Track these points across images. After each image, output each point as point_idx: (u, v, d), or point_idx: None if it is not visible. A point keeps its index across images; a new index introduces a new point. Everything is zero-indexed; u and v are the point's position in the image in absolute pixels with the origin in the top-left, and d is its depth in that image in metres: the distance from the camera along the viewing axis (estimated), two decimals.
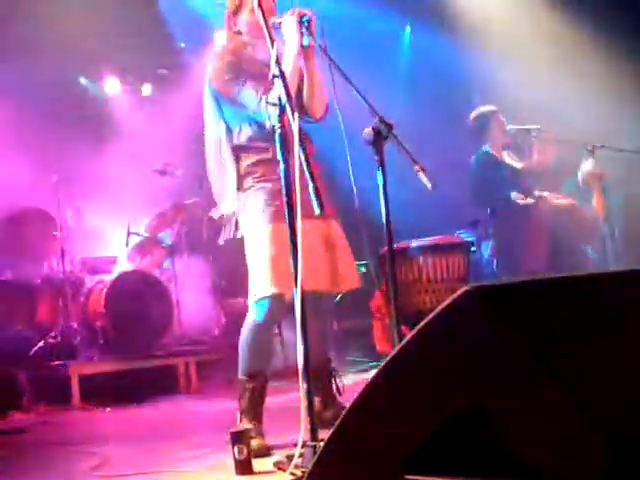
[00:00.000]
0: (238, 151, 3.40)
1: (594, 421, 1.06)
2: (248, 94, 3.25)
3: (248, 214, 3.35)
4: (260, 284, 3.26)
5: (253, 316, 3.32)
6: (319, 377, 3.43)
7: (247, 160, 3.37)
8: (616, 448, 1.04)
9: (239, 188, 3.37)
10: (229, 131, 3.41)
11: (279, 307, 3.30)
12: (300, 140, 2.52)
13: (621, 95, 6.49)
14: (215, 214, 3.58)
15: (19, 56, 7.30)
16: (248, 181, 3.36)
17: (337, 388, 3.59)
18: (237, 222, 3.42)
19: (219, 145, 3.43)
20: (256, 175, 3.34)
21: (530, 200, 5.20)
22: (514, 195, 5.21)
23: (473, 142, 5.58)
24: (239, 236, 3.43)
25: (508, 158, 5.49)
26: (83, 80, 8.85)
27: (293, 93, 2.91)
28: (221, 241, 3.53)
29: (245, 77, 3.28)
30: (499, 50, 7.36)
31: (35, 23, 6.88)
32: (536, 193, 5.52)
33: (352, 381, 4.64)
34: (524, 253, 5.28)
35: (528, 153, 5.51)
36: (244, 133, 3.37)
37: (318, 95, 3.38)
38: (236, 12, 3.43)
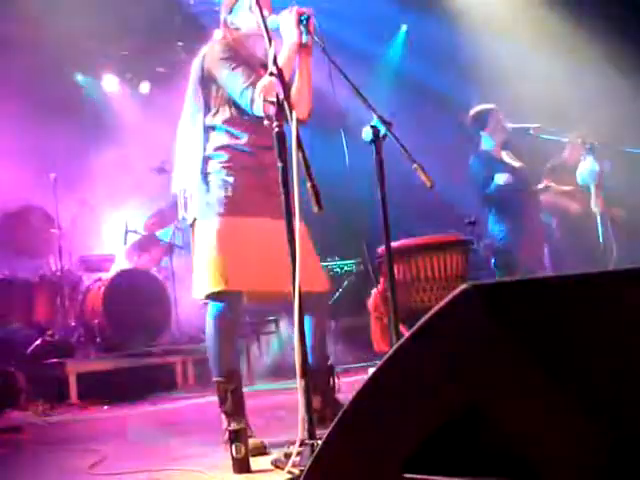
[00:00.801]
0: (210, 131, 3.34)
1: (594, 420, 1.05)
2: (236, 78, 3.22)
3: (203, 200, 3.28)
4: (206, 280, 3.22)
5: (209, 316, 3.31)
6: (317, 375, 3.42)
7: (216, 142, 3.32)
8: (616, 448, 1.04)
9: (202, 169, 3.31)
10: (207, 109, 3.35)
11: (233, 305, 3.27)
12: (297, 139, 2.51)
13: (621, 93, 6.50)
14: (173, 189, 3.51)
15: (18, 55, 7.29)
16: (212, 164, 3.31)
17: (335, 386, 3.59)
18: (186, 202, 3.37)
19: (193, 121, 3.37)
20: (222, 159, 3.29)
21: (509, 178, 5.19)
22: (497, 177, 5.20)
23: (471, 140, 5.58)
24: (189, 220, 3.37)
25: (507, 157, 5.49)
26: (81, 78, 8.83)
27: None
28: (180, 217, 3.48)
29: (238, 62, 3.27)
30: (498, 49, 7.36)
31: (34, 21, 6.87)
32: (540, 186, 5.54)
33: (350, 380, 4.64)
34: (523, 251, 5.29)
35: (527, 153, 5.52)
36: (221, 115, 3.32)
37: (306, 96, 3.35)
38: (233, 8, 3.43)
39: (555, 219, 6.08)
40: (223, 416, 3.29)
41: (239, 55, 3.33)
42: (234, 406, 3.26)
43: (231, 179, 3.27)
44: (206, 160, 3.32)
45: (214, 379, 3.33)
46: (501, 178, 5.20)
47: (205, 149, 3.33)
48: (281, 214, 2.59)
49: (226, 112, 3.32)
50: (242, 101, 3.20)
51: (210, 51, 3.38)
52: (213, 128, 3.34)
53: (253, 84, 3.16)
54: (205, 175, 3.30)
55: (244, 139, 3.30)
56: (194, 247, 3.33)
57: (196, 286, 3.30)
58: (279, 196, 2.56)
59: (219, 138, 3.33)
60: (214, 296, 3.24)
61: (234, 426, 3.07)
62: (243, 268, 3.19)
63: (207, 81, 3.35)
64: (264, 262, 3.20)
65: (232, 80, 3.25)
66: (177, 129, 3.49)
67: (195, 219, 3.32)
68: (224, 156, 3.30)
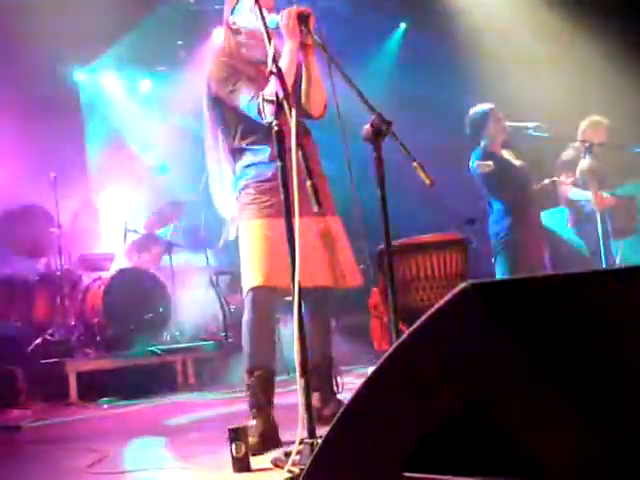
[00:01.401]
0: (235, 152, 3.43)
1: (594, 420, 1.05)
2: (241, 94, 3.26)
3: (240, 213, 3.40)
4: (248, 278, 3.29)
5: (246, 311, 3.34)
6: (319, 374, 3.42)
7: (242, 162, 3.41)
8: (616, 447, 1.04)
9: (235, 189, 3.42)
10: (226, 133, 3.44)
11: (269, 300, 3.32)
12: (298, 137, 2.51)
13: (621, 93, 6.50)
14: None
15: (18, 53, 7.29)
16: (242, 182, 3.40)
17: (336, 385, 3.59)
18: (236, 225, 3.47)
19: (216, 146, 3.47)
20: (248, 177, 3.38)
21: (489, 164, 5.18)
22: (477, 163, 5.19)
23: (471, 140, 5.57)
24: (232, 234, 3.49)
25: (507, 155, 5.49)
26: (81, 77, 8.83)
27: (290, 90, 2.90)
28: (220, 244, 3.58)
29: (239, 77, 3.29)
30: (498, 48, 7.36)
31: (34, 19, 6.87)
32: (546, 181, 5.54)
33: (350, 379, 4.65)
34: (524, 250, 5.29)
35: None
36: (240, 134, 3.40)
37: (316, 92, 3.38)
38: (234, 11, 3.43)
39: (571, 213, 6.09)
40: (248, 407, 3.30)
41: (238, 68, 3.34)
42: (254, 401, 3.26)
43: (258, 189, 3.33)
44: (236, 181, 3.42)
45: (245, 369, 3.34)
46: (481, 165, 5.18)
47: (234, 171, 3.44)
48: (313, 212, 2.57)
49: (242, 131, 3.38)
50: (250, 113, 3.22)
51: (211, 74, 3.41)
52: (236, 150, 3.43)
53: (257, 95, 3.16)
54: (239, 194, 3.40)
55: (264, 152, 3.34)
56: (240, 248, 3.40)
57: (243, 282, 3.36)
58: (307, 195, 2.53)
59: (243, 157, 3.40)
60: (253, 291, 3.27)
61: (252, 419, 3.10)
62: (282, 265, 3.19)
63: (216, 105, 3.41)
64: (301, 258, 3.21)
65: (236, 97, 3.29)
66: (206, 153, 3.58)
67: (239, 224, 3.41)
68: (250, 173, 3.37)
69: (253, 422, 3.18)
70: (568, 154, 6.15)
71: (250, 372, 3.30)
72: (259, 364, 3.30)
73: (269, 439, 3.16)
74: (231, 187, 3.44)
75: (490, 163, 5.15)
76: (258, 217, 3.30)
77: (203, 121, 3.51)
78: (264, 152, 3.34)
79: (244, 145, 3.39)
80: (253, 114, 3.20)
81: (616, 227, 5.73)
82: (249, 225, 3.33)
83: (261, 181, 3.34)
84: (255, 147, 3.37)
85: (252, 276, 3.26)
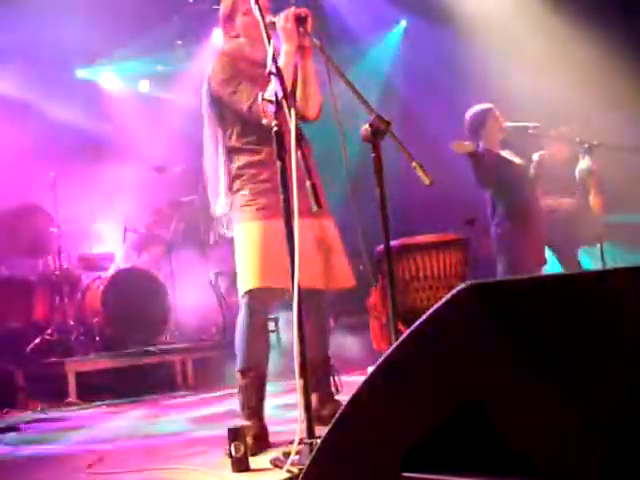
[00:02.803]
0: (231, 152, 3.43)
1: (594, 420, 1.05)
2: (242, 95, 3.26)
3: (235, 213, 3.39)
4: (243, 279, 3.29)
5: (241, 312, 3.35)
6: (317, 374, 3.42)
7: (238, 162, 3.40)
8: (616, 447, 1.04)
9: (230, 189, 3.41)
10: (224, 132, 3.44)
11: (264, 302, 3.33)
12: (297, 137, 2.51)
13: (621, 93, 6.50)
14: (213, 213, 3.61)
15: (17, 52, 7.29)
16: (237, 183, 3.39)
17: (335, 385, 3.59)
18: (228, 221, 3.46)
19: (214, 146, 3.47)
20: (244, 177, 3.37)
21: (467, 143, 5.17)
22: (454, 143, 5.18)
23: (470, 140, 5.57)
24: (229, 235, 3.47)
25: (507, 155, 5.49)
26: (81, 76, 8.83)
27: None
28: (211, 240, 3.57)
29: (240, 78, 3.30)
30: (497, 47, 7.36)
31: (33, 18, 6.87)
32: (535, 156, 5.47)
33: (349, 379, 4.64)
34: (525, 251, 5.29)
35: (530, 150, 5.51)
36: (237, 134, 3.40)
37: (312, 94, 3.38)
38: (231, 15, 3.44)
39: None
40: (240, 408, 3.30)
41: (239, 70, 3.34)
42: (245, 401, 3.27)
43: (255, 190, 3.33)
44: (233, 180, 3.41)
45: (237, 369, 3.34)
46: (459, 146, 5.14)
47: (230, 172, 3.42)
48: (310, 213, 2.58)
49: (240, 131, 3.38)
50: (251, 117, 3.22)
51: (212, 74, 3.40)
52: (234, 149, 3.42)
53: (257, 98, 3.16)
54: (234, 194, 3.39)
55: (261, 152, 3.34)
56: (235, 250, 3.40)
57: (239, 284, 3.36)
58: (305, 196, 2.54)
59: (239, 158, 3.39)
60: (249, 293, 3.27)
61: (244, 420, 3.10)
62: (277, 266, 3.19)
63: (216, 104, 3.41)
64: (307, 260, 3.21)
65: (237, 100, 3.29)
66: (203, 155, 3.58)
67: (234, 226, 3.41)
68: (246, 174, 3.37)
69: (247, 423, 3.19)
70: (543, 155, 6.17)
71: (243, 373, 3.30)
72: (253, 365, 3.31)
73: (263, 440, 3.18)
74: (226, 187, 3.43)
75: (468, 143, 5.13)
76: (253, 219, 3.30)
77: (203, 120, 3.51)
78: (260, 153, 3.34)
79: (240, 145, 3.39)
80: (254, 118, 3.20)
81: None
82: (244, 227, 3.33)
83: (257, 182, 3.34)
84: (251, 147, 3.37)
85: (247, 278, 3.26)
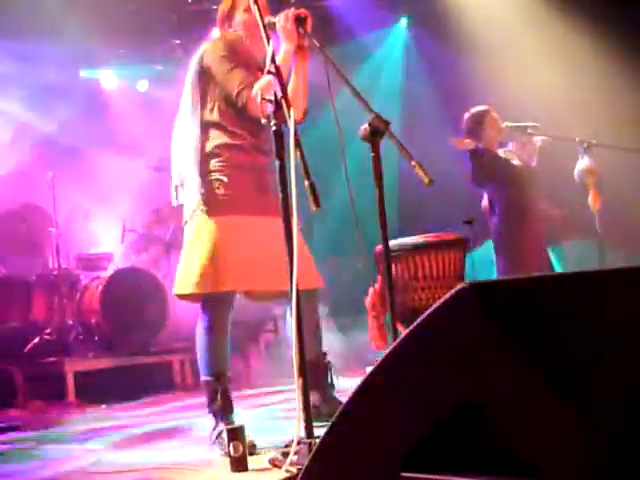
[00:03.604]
0: (208, 127, 3.33)
1: (593, 420, 1.05)
2: (234, 78, 3.23)
3: (200, 198, 3.26)
4: (205, 280, 3.19)
5: (203, 315, 3.31)
6: (315, 372, 3.41)
7: (216, 140, 3.31)
8: (615, 447, 1.04)
9: (201, 167, 3.29)
10: (203, 105, 3.34)
11: (228, 305, 3.28)
12: (296, 137, 2.51)
13: (621, 94, 6.50)
14: (175, 201, 3.46)
15: (16, 52, 7.28)
16: (211, 162, 3.29)
17: (334, 384, 3.59)
18: (192, 208, 3.32)
19: (191, 117, 3.36)
20: (221, 158, 3.29)
21: (468, 141, 5.18)
22: (453, 140, 5.19)
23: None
24: (187, 217, 3.34)
25: (505, 155, 5.49)
26: (79, 75, 8.82)
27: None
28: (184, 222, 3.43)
29: (238, 62, 3.28)
30: (497, 47, 7.36)
31: (33, 18, 6.86)
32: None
33: (348, 378, 4.64)
34: (524, 252, 5.29)
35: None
36: (217, 110, 3.32)
37: (301, 97, 3.34)
38: (230, 13, 3.44)
39: None
40: (211, 416, 3.29)
41: (239, 55, 3.34)
42: (223, 406, 3.26)
43: (229, 177, 3.26)
44: (205, 158, 3.31)
45: (203, 378, 3.33)
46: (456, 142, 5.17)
47: (205, 147, 3.31)
48: (275, 213, 2.57)
49: (222, 109, 3.32)
50: (238, 101, 3.21)
51: (212, 47, 3.37)
52: (212, 125, 3.33)
53: (250, 85, 3.16)
54: (204, 173, 3.29)
55: (242, 138, 3.31)
56: (187, 243, 3.30)
57: (185, 283, 3.27)
58: (273, 195, 2.55)
59: (218, 136, 3.32)
60: (209, 296, 3.23)
61: (225, 425, 3.08)
62: (239, 268, 3.19)
63: (205, 77, 3.34)
64: (259, 261, 3.21)
65: (230, 79, 3.25)
66: (174, 124, 3.49)
67: (191, 216, 3.30)
68: (223, 154, 3.29)
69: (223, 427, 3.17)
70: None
71: (217, 377, 3.28)
72: (223, 369, 3.30)
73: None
74: (197, 163, 3.30)
75: (468, 140, 5.15)
76: (217, 214, 3.22)
77: (182, 97, 3.42)
78: (240, 135, 3.30)
79: (220, 121, 3.31)
80: (240, 102, 3.19)
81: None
82: (207, 222, 3.23)
83: (234, 166, 3.27)
84: (232, 129, 3.31)
85: (209, 279, 3.18)
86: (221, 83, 3.29)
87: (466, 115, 5.48)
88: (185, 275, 3.27)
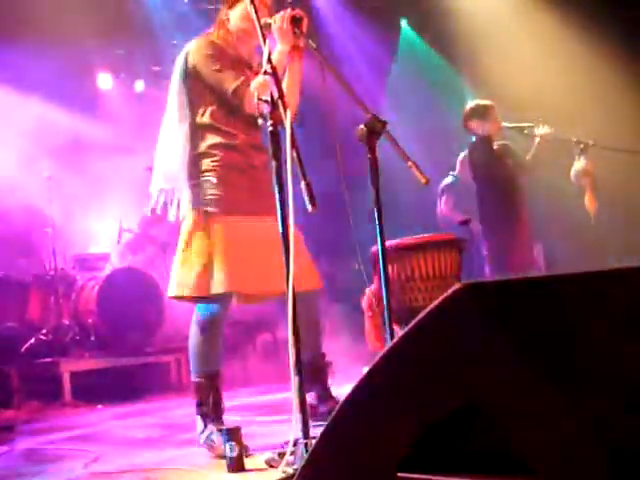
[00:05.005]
0: (201, 129, 3.31)
1: (593, 421, 1.05)
2: (225, 76, 3.22)
3: (194, 198, 3.26)
4: (202, 282, 3.18)
5: (199, 317, 3.29)
6: (313, 371, 3.41)
7: (209, 140, 3.29)
8: (615, 447, 1.04)
9: (192, 168, 3.28)
10: (194, 107, 3.32)
11: (225, 306, 3.27)
12: (292, 138, 2.51)
13: (622, 95, 6.52)
14: (154, 189, 3.45)
15: (14, 52, 7.27)
16: (205, 162, 3.28)
17: (330, 383, 3.58)
18: (178, 202, 3.34)
19: (179, 119, 3.34)
20: (214, 158, 3.27)
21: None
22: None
23: (467, 130, 5.61)
24: (180, 218, 3.33)
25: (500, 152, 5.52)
26: (76, 76, 8.80)
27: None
28: (171, 217, 3.42)
29: (225, 60, 3.27)
30: (496, 48, 7.36)
31: (33, 17, 6.85)
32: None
33: (345, 378, 4.64)
34: (512, 252, 5.31)
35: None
36: (210, 113, 3.29)
37: (293, 98, 3.31)
38: (232, 6, 3.42)
39: None
40: (198, 418, 3.27)
41: (226, 53, 3.31)
42: (214, 408, 3.25)
43: (223, 178, 3.25)
44: (198, 158, 3.29)
45: (195, 379, 3.31)
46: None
47: (197, 147, 3.30)
48: (270, 213, 2.57)
49: (215, 110, 3.30)
50: (234, 99, 3.20)
51: (196, 47, 3.33)
52: (205, 127, 3.31)
53: (244, 83, 3.15)
54: (197, 174, 3.28)
55: (236, 138, 3.29)
56: (181, 244, 3.28)
57: (179, 285, 3.25)
58: (269, 196, 2.55)
59: (212, 136, 3.30)
60: (206, 298, 3.22)
61: (214, 427, 3.08)
62: (235, 270, 3.17)
63: (192, 78, 3.31)
64: (256, 263, 3.19)
65: (222, 78, 3.23)
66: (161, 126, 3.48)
67: (185, 217, 3.30)
68: (217, 155, 3.27)
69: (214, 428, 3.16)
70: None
71: (209, 378, 3.27)
72: (216, 369, 3.30)
73: None
74: (188, 164, 3.29)
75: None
76: (212, 214, 3.20)
77: (168, 97, 3.41)
78: (234, 136, 3.29)
79: (213, 123, 3.29)
80: (236, 100, 3.18)
81: None
82: (206, 224, 3.21)
83: (228, 166, 3.26)
84: (226, 130, 3.29)
85: (207, 281, 3.17)
86: (212, 83, 3.26)
87: (472, 103, 5.53)
88: (179, 278, 3.25)
